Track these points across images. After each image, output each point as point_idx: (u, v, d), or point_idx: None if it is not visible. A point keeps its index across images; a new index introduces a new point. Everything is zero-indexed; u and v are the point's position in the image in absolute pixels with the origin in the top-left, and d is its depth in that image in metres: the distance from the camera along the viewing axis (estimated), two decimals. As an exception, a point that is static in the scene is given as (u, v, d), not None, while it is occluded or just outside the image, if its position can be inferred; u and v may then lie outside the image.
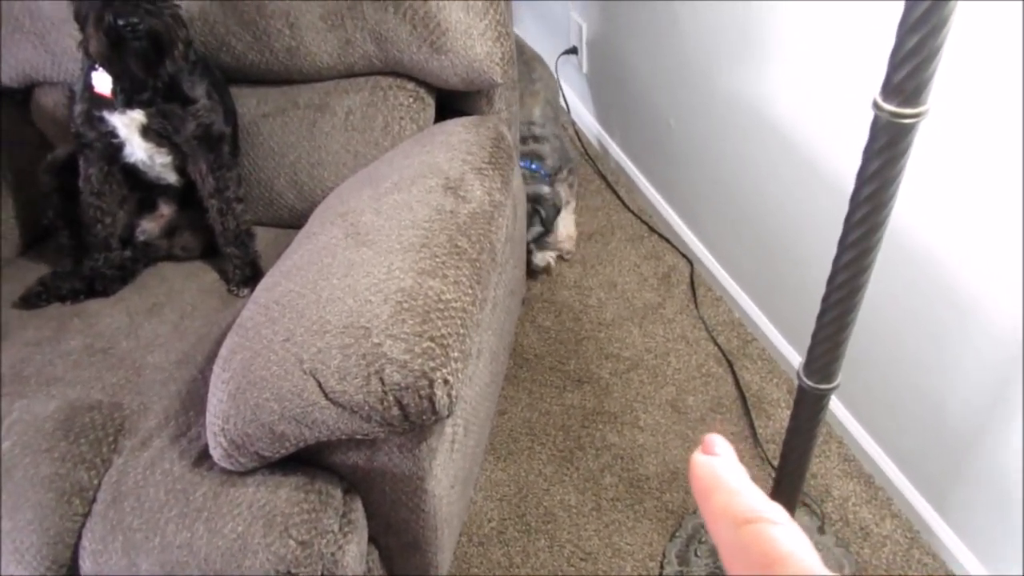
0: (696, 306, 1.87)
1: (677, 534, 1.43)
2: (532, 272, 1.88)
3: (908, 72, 0.69)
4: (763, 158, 1.55)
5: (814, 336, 0.95)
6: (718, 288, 1.88)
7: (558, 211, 1.88)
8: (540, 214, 1.83)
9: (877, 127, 0.74)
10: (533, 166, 1.89)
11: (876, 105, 0.73)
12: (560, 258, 1.97)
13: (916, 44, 0.67)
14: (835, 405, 1.55)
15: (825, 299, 0.91)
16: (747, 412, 1.62)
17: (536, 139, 1.93)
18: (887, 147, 0.74)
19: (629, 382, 1.71)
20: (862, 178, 0.79)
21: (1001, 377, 1.15)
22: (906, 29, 0.68)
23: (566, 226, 1.99)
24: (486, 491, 1.52)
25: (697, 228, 1.93)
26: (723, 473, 0.27)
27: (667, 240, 2.04)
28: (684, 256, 1.99)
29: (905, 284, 1.27)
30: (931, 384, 1.28)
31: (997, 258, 1.08)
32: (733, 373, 1.71)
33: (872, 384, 1.43)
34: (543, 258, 1.87)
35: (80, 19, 1.14)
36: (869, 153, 0.77)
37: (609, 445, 1.59)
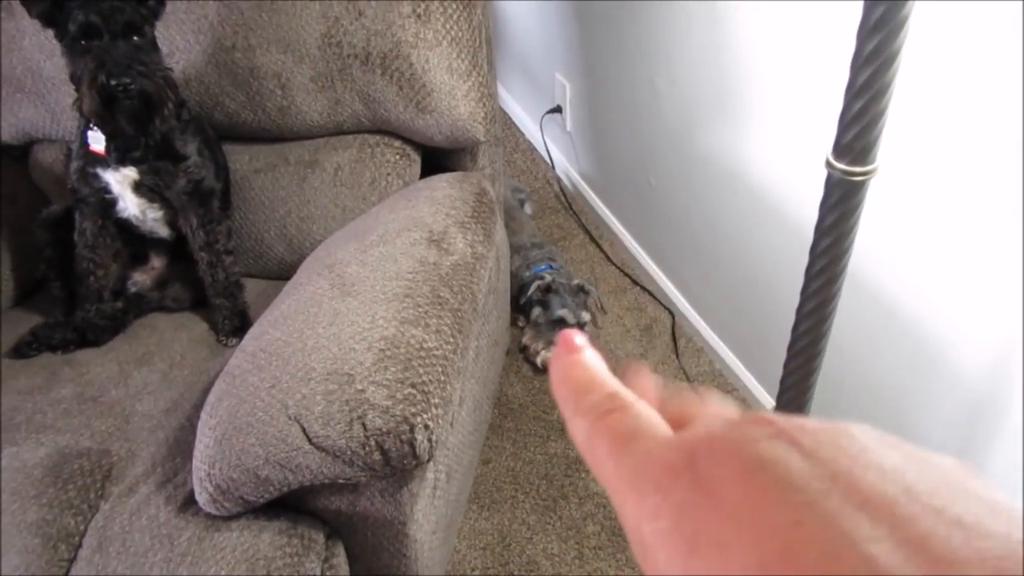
0: (678, 357, 1.90)
1: (659, 583, 1.44)
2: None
3: (856, 133, 0.75)
4: (739, 214, 1.61)
5: (782, 382, 0.99)
6: (699, 339, 1.92)
7: (600, 303, 1.94)
8: (589, 295, 1.89)
9: (831, 184, 0.79)
10: (552, 266, 1.96)
11: (828, 164, 0.78)
12: None
13: (861, 108, 0.73)
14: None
15: (790, 347, 0.95)
16: (727, 461, 1.64)
17: (538, 246, 2.03)
18: (840, 202, 0.79)
19: (611, 432, 1.73)
20: (819, 232, 0.83)
21: (969, 422, 1.18)
22: (852, 94, 0.73)
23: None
24: (469, 540, 1.53)
25: (678, 281, 1.98)
26: (579, 372, 0.25)
27: (649, 293, 2.08)
28: (666, 308, 2.03)
29: (876, 333, 1.31)
30: (902, 432, 1.31)
31: (964, 306, 1.13)
32: (714, 423, 1.73)
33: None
34: None
35: (75, 79, 1.19)
36: (824, 208, 0.81)
37: (592, 494, 1.61)
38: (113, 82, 1.14)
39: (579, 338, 0.27)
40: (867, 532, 0.16)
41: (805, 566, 0.16)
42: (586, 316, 1.87)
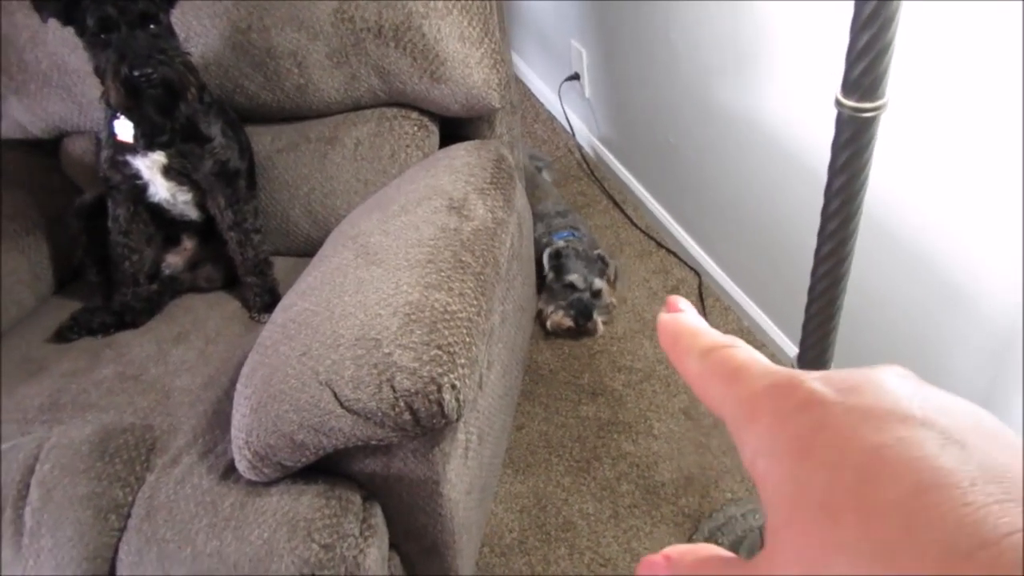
0: (705, 316, 1.90)
1: (694, 537, 1.46)
2: (584, 331, 1.87)
3: (863, 68, 0.75)
4: (760, 168, 1.60)
5: (804, 327, 0.99)
6: (726, 298, 1.92)
7: (615, 272, 1.94)
8: (607, 264, 1.88)
9: (841, 122, 0.80)
10: (575, 234, 1.96)
11: (838, 102, 0.78)
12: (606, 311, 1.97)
13: (868, 42, 0.73)
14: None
15: (811, 290, 0.95)
16: (759, 416, 1.65)
17: (561, 214, 2.03)
18: (851, 140, 0.79)
19: (642, 392, 1.75)
20: (833, 171, 0.84)
21: (996, 359, 1.18)
22: (857, 28, 0.73)
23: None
24: (506, 503, 1.56)
25: (703, 241, 1.98)
26: (686, 321, 0.29)
27: (674, 254, 2.09)
28: (692, 269, 2.03)
29: (897, 271, 1.30)
30: (931, 372, 1.31)
31: (986, 241, 1.12)
32: (744, 379, 1.74)
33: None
34: (596, 323, 1.86)
35: (99, 72, 1.22)
36: (836, 147, 0.82)
37: (625, 454, 1.63)
38: (136, 73, 1.17)
39: (683, 302, 0.30)
40: (939, 447, 0.19)
41: (894, 475, 0.18)
42: (599, 283, 1.87)
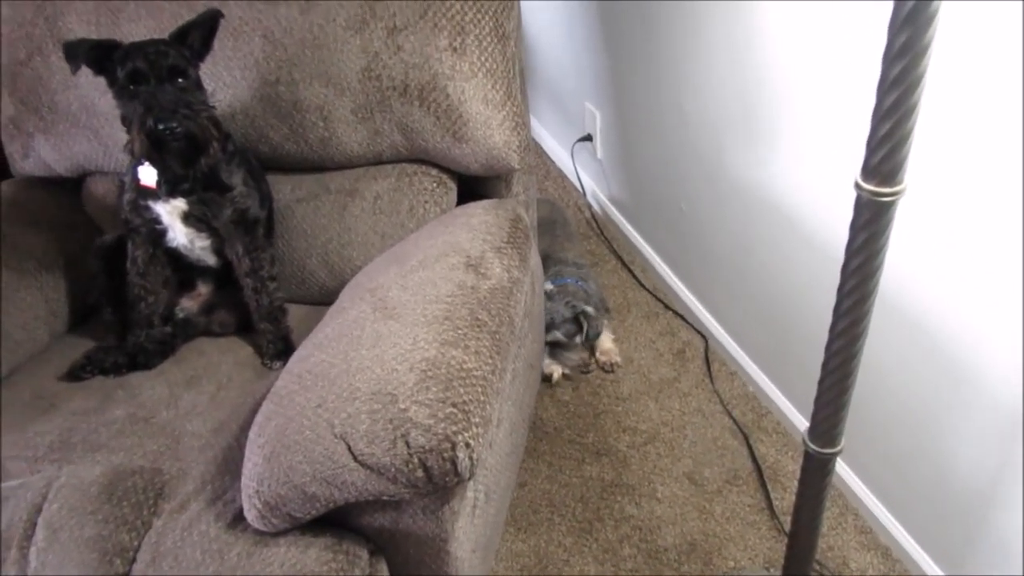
0: (711, 380, 1.91)
1: (695, 605, 1.45)
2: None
3: (883, 155, 0.77)
4: (769, 237, 1.63)
5: (816, 401, 1.00)
6: (732, 363, 1.93)
7: (598, 335, 1.94)
8: (583, 327, 1.89)
9: (859, 205, 0.82)
10: (580, 283, 1.97)
11: (857, 185, 0.81)
12: (603, 369, 1.98)
13: (888, 130, 0.75)
14: (850, 477, 1.58)
15: (824, 366, 0.96)
16: (763, 484, 1.65)
17: (578, 266, 2.05)
18: (869, 223, 0.81)
19: (646, 455, 1.75)
20: (850, 252, 0.85)
21: (1003, 442, 1.18)
22: (879, 117, 0.76)
23: (604, 341, 2.02)
24: (507, 561, 1.55)
25: (711, 305, 2.00)
26: None
27: (682, 317, 2.10)
28: (699, 332, 2.05)
29: (907, 350, 1.32)
30: (939, 451, 1.32)
31: (994, 324, 1.14)
32: (748, 446, 1.74)
33: (884, 454, 1.47)
34: (549, 366, 1.88)
35: (126, 122, 1.25)
36: (854, 229, 0.84)
37: (627, 516, 1.62)
38: (160, 126, 1.19)
39: None
40: None
41: None
42: (559, 336, 1.86)
